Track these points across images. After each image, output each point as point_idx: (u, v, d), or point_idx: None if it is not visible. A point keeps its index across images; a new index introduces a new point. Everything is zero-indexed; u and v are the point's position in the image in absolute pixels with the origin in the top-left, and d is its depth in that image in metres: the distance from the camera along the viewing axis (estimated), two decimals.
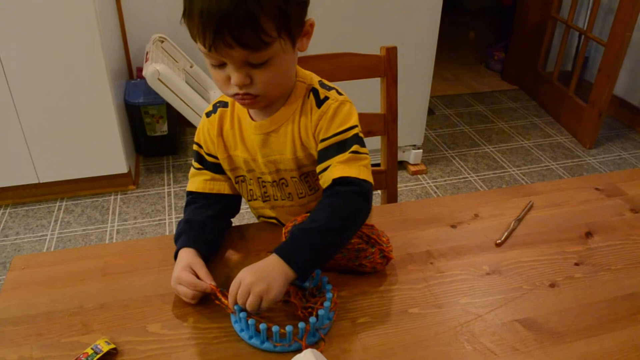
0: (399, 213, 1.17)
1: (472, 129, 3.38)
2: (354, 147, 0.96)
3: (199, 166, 1.10)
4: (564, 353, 0.84)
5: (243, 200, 1.15)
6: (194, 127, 2.70)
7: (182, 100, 2.59)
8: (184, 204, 1.11)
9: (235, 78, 0.88)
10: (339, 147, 0.96)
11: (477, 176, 2.86)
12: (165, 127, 2.92)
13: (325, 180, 0.96)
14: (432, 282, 0.97)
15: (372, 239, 0.95)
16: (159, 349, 0.84)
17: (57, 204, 2.63)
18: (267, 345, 0.83)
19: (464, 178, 2.84)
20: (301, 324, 0.82)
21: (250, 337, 0.84)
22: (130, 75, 3.13)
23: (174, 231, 1.03)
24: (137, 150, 3.04)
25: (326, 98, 0.98)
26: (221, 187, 1.10)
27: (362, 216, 0.94)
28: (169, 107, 2.76)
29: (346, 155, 0.95)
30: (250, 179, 1.09)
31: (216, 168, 1.09)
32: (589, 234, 1.11)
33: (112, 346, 0.83)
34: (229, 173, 1.09)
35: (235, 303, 0.85)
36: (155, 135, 2.94)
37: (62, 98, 2.38)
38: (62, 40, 2.26)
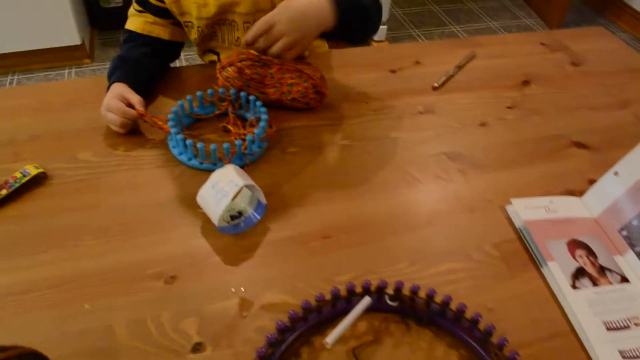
0: (339, 58, 1.16)
1: (441, 8, 3.30)
2: None
3: (140, 8, 1.05)
4: (485, 180, 0.88)
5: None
6: None
7: None
8: None
9: None
10: None
11: None
12: None
13: None
14: (365, 119, 0.98)
15: (305, 74, 0.94)
16: (88, 174, 0.85)
17: (9, 77, 2.54)
18: (194, 162, 0.86)
19: None
20: (226, 144, 0.83)
21: (180, 154, 0.87)
22: None
23: None
24: (92, 24, 2.91)
25: None
26: (161, 31, 1.06)
27: (380, 12, 0.95)
28: None
29: None
30: (198, 27, 1.06)
31: (159, 12, 1.04)
32: (526, 82, 1.12)
33: (41, 170, 0.84)
34: (177, 17, 1.05)
35: (252, 42, 0.86)
36: (110, 7, 2.81)
37: None
38: None
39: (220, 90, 0.94)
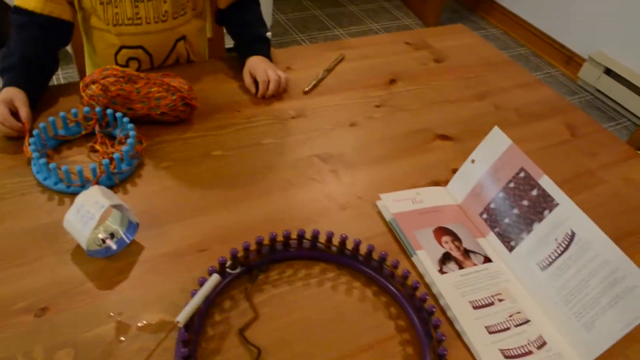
0: (209, 68, 1.16)
1: (324, 12, 3.37)
2: None
3: None
4: (355, 178, 0.92)
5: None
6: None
7: None
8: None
9: None
10: None
11: None
12: None
13: None
14: (238, 128, 0.99)
15: (172, 87, 0.94)
16: None
17: None
18: (60, 186, 0.83)
19: None
20: (92, 165, 0.81)
21: (45, 179, 0.84)
22: None
23: None
24: None
25: None
26: (62, 11, 1.00)
27: None
28: None
29: None
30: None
31: None
32: (392, 81, 1.18)
33: None
34: None
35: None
36: None
37: None
38: None
39: (85, 109, 0.91)
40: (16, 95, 0.91)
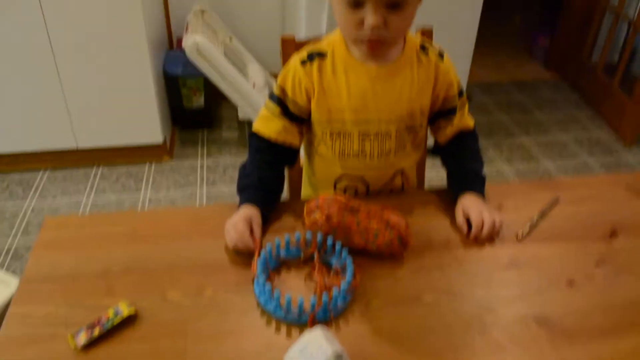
0: (422, 198, 1.17)
1: (510, 118, 3.31)
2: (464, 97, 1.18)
3: (278, 111, 1.09)
4: (575, 353, 0.84)
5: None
6: (230, 101, 2.73)
7: (220, 74, 2.61)
8: (234, 162, 1.14)
9: (371, 20, 0.92)
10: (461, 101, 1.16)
11: (510, 167, 2.82)
12: (202, 100, 2.96)
13: (454, 128, 1.17)
14: (449, 271, 0.98)
15: (391, 223, 0.95)
16: (177, 317, 0.87)
17: (94, 170, 2.69)
18: (279, 313, 0.86)
19: (496, 170, 2.80)
20: (312, 300, 0.84)
21: (266, 303, 0.88)
22: (170, 46, 3.16)
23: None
24: (174, 122, 3.08)
25: (441, 52, 1.09)
26: (294, 139, 1.11)
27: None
28: (207, 80, 2.78)
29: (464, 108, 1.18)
30: (350, 133, 1.10)
31: (295, 118, 1.10)
32: (613, 233, 1.09)
33: (133, 310, 0.87)
34: (320, 127, 1.11)
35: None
36: (192, 108, 2.97)
37: (102, 66, 2.43)
38: (104, 9, 2.31)
39: (307, 234, 0.96)
40: (254, 214, 1.00)
